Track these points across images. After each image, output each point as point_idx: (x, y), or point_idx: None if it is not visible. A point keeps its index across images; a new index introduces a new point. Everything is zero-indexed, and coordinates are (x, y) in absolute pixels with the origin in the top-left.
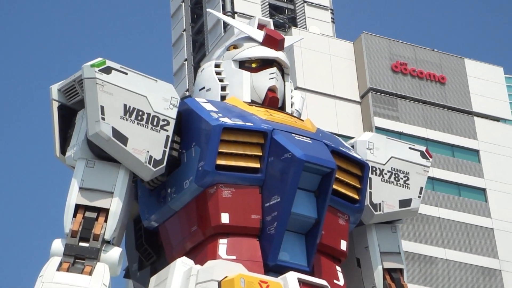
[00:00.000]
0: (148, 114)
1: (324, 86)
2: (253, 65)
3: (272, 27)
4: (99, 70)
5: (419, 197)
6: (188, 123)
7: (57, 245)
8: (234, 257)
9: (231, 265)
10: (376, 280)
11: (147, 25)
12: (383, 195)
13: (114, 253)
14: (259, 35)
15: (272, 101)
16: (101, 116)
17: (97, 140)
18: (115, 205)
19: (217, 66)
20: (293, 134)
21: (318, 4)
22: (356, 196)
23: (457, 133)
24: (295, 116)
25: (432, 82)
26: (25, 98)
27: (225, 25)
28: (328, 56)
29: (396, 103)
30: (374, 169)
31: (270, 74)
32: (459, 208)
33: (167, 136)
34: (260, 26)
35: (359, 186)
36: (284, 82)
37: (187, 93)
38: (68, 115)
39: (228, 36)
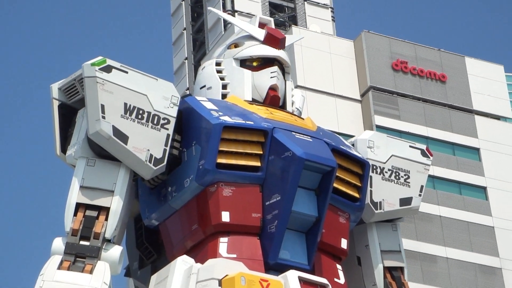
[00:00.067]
0: (149, 113)
1: (325, 84)
2: (254, 64)
3: (273, 26)
4: (100, 69)
5: (420, 195)
6: (188, 121)
7: (58, 243)
8: (234, 256)
9: (232, 264)
10: (377, 279)
11: (147, 24)
12: (384, 194)
13: (115, 252)
14: (260, 33)
15: (274, 99)
16: (101, 114)
17: (98, 139)
18: (116, 204)
19: (218, 64)
20: (293, 133)
21: (318, 3)
22: (356, 195)
23: (458, 132)
24: (295, 115)
25: (432, 81)
26: (25, 98)
27: (226, 23)
28: (328, 54)
29: (396, 101)
30: (374, 167)
31: (271, 72)
32: (459, 206)
33: (168, 135)
34: (261, 25)
35: (360, 185)
36: (285, 80)
37: (188, 92)
38: (69, 113)
39: (229, 35)
